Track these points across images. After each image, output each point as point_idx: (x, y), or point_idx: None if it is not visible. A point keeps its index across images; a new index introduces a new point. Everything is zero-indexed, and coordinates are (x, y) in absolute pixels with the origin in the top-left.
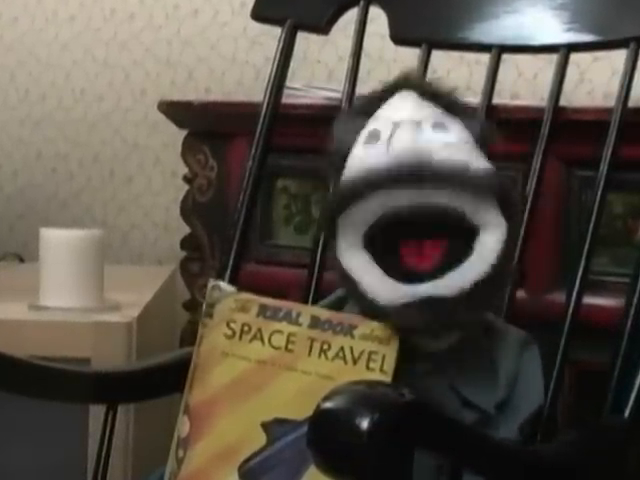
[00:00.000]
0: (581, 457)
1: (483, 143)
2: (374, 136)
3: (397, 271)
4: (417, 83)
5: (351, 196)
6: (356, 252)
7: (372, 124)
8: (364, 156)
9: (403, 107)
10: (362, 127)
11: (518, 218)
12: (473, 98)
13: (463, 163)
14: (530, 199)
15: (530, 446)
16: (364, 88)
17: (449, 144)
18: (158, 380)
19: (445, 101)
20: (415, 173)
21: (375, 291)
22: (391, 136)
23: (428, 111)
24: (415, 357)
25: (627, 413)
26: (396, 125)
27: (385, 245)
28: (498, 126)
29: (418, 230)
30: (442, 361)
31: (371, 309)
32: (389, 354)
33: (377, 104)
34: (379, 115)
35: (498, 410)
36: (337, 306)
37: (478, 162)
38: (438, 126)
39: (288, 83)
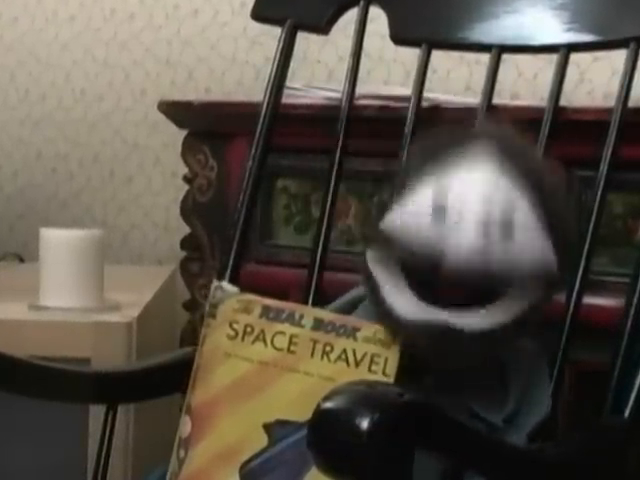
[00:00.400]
0: (581, 457)
1: (555, 234)
2: (439, 213)
3: (423, 288)
4: (496, 151)
5: (397, 252)
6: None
7: (440, 192)
8: (425, 229)
9: (473, 190)
10: (431, 173)
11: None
12: (473, 98)
13: (520, 270)
14: None
15: (531, 446)
16: (364, 88)
17: (511, 251)
18: (158, 380)
19: (526, 172)
20: (467, 283)
21: (395, 301)
22: (456, 229)
23: (498, 204)
24: (422, 370)
25: (627, 413)
26: (461, 217)
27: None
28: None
29: None
30: (449, 374)
31: (385, 318)
32: (392, 357)
33: (450, 153)
34: (449, 185)
35: (506, 423)
36: (351, 306)
37: (539, 259)
38: (505, 228)
39: (288, 83)
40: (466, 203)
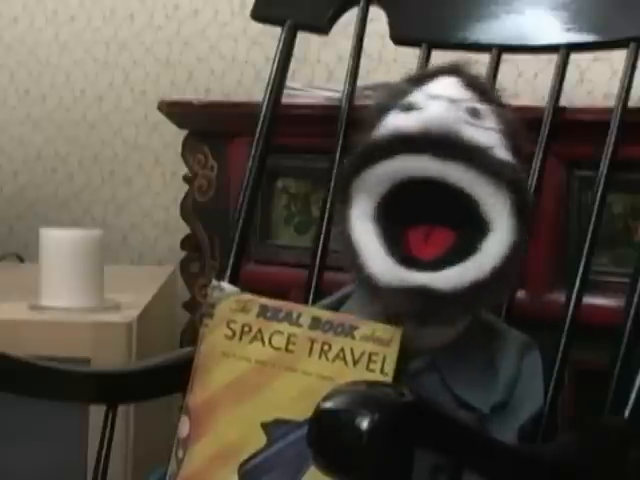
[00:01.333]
0: (581, 457)
1: (513, 144)
2: (409, 106)
3: (400, 254)
4: (463, 71)
5: (370, 155)
6: (365, 223)
7: (410, 98)
8: (392, 120)
9: (443, 87)
10: (400, 98)
11: (529, 218)
12: None
13: (487, 147)
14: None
15: (530, 446)
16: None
17: (479, 127)
18: (158, 380)
19: (485, 94)
20: (439, 141)
21: (373, 268)
22: (425, 107)
23: (466, 96)
24: (408, 355)
25: (627, 413)
26: (432, 98)
27: (394, 225)
28: None
29: (429, 214)
30: (436, 359)
31: (365, 284)
32: (390, 355)
33: (420, 84)
34: (419, 91)
35: (494, 411)
36: (338, 303)
37: (502, 153)
38: (472, 110)
39: (288, 83)
40: (433, 94)
